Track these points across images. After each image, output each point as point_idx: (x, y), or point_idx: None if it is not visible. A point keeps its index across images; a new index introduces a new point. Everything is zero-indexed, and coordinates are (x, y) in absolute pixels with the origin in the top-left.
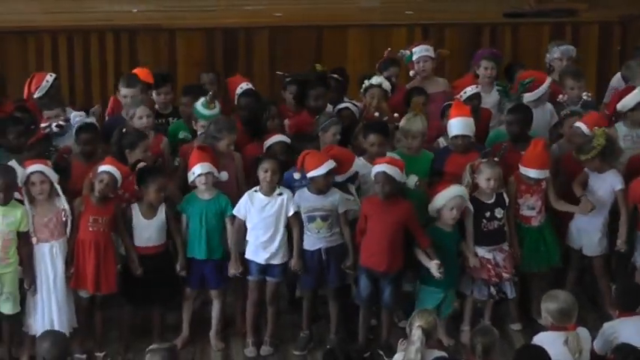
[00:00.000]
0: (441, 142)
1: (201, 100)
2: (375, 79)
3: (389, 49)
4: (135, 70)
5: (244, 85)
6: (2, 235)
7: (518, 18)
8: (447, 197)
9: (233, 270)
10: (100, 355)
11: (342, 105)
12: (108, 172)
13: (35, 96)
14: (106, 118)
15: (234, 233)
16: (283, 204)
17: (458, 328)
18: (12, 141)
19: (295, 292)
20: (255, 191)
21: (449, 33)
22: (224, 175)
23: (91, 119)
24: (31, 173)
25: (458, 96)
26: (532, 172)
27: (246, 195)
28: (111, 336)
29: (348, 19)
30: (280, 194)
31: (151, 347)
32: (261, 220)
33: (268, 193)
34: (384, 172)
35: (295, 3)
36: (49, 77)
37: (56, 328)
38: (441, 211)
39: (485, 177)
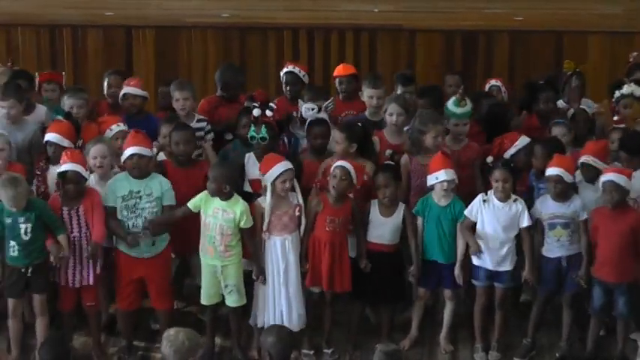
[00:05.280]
0: None
1: (452, 98)
2: (626, 89)
3: (634, 53)
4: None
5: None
6: (221, 229)
7: None
8: None
9: (457, 272)
10: (328, 351)
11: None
12: (341, 167)
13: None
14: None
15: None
16: (518, 213)
17: None
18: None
19: (520, 296)
20: (484, 201)
21: None
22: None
23: (323, 114)
24: (287, 170)
25: None
26: None
27: (479, 197)
28: (340, 333)
29: (588, 25)
30: (515, 202)
31: (377, 346)
32: (492, 226)
33: (503, 199)
34: (612, 181)
35: (536, 8)
36: None
37: (285, 322)
38: None
39: None
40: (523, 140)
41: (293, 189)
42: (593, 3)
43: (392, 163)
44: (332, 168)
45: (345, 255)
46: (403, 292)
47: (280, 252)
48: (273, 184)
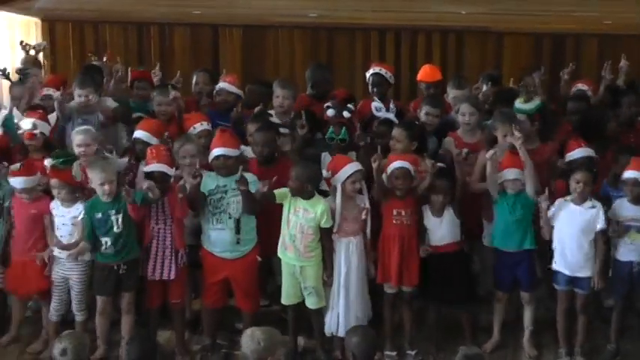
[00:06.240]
0: None
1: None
2: None
3: None
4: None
5: None
6: (302, 229)
7: None
8: None
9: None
10: (412, 352)
11: None
12: (401, 167)
13: None
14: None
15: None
16: (592, 217)
17: None
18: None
19: (602, 300)
20: (566, 200)
21: None
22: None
23: (390, 115)
24: (357, 171)
25: None
26: None
27: (558, 202)
28: (423, 334)
29: None
30: (593, 207)
31: (460, 349)
32: (569, 229)
33: (579, 202)
34: None
35: (626, 12)
36: None
37: (342, 324)
38: None
39: None
40: (579, 152)
41: (361, 191)
42: None
43: (444, 166)
44: (390, 169)
45: (413, 249)
46: (472, 292)
47: (343, 254)
48: (343, 185)
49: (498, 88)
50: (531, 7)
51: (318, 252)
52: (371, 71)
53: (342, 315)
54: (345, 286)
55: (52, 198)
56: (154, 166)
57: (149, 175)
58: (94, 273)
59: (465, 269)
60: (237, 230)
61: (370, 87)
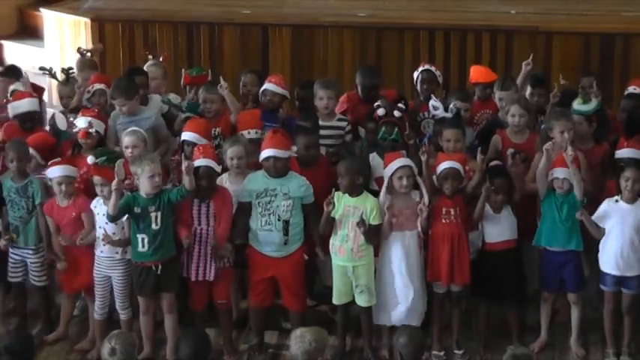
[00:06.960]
0: None
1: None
2: None
3: None
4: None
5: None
6: (354, 227)
7: None
8: None
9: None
10: (459, 352)
11: None
12: (451, 167)
13: None
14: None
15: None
16: None
17: None
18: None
19: None
20: (617, 201)
21: None
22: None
23: (448, 114)
24: (401, 167)
25: None
26: None
27: (606, 201)
28: (470, 334)
29: None
30: None
31: (508, 349)
32: (619, 228)
33: (630, 200)
34: None
35: None
36: None
37: (395, 317)
38: None
39: None
40: (625, 152)
41: (416, 186)
42: None
43: (500, 163)
44: (439, 169)
45: (464, 248)
46: (524, 290)
47: (400, 249)
48: (390, 179)
49: (545, 89)
50: (580, 7)
51: (370, 250)
52: (420, 68)
53: (402, 309)
54: (401, 281)
55: (89, 197)
56: (200, 161)
57: (195, 171)
58: (133, 274)
59: (518, 268)
60: (286, 232)
61: (419, 85)
